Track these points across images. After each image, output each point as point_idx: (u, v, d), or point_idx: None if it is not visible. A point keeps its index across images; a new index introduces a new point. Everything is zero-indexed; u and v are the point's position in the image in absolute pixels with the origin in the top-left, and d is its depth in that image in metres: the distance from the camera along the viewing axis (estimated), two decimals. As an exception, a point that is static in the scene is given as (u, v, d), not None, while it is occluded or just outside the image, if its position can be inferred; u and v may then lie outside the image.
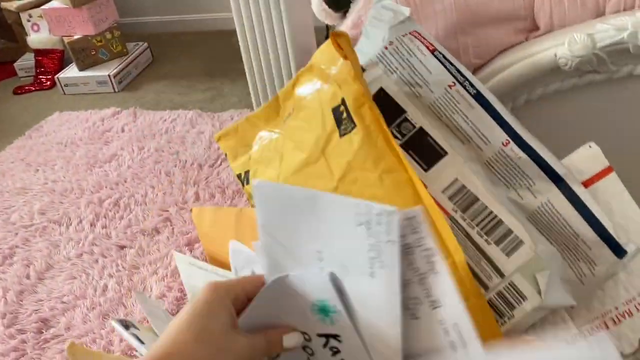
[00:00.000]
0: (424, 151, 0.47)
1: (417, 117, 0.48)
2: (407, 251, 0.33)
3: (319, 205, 0.33)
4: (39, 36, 2.59)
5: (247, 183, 0.50)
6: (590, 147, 0.45)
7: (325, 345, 0.36)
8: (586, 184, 0.45)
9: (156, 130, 1.61)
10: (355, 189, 0.42)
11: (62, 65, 2.25)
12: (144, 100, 1.76)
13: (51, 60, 2.44)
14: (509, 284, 0.44)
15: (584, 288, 0.44)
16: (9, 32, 2.70)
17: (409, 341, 0.36)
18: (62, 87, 1.92)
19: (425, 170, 0.47)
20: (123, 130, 1.64)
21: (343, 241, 0.33)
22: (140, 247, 1.22)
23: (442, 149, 0.47)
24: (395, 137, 0.47)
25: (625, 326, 0.44)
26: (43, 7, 2.41)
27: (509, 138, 0.46)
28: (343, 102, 0.41)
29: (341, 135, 0.42)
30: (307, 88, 0.46)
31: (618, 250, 0.42)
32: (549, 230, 0.45)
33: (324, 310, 0.35)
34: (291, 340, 0.36)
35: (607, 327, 0.44)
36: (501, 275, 0.44)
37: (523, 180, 0.45)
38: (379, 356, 0.35)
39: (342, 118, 0.42)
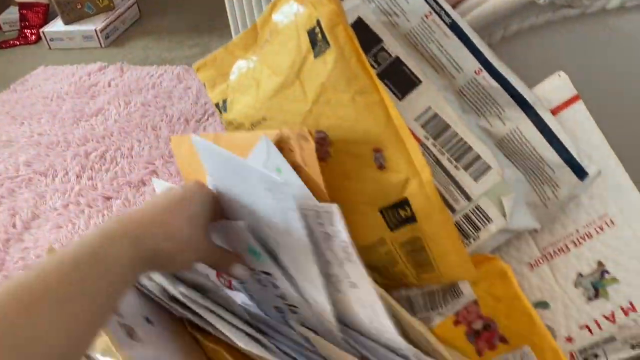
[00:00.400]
0: (399, 80, 0.48)
1: (394, 47, 0.48)
2: (326, 238, 0.35)
3: (238, 167, 0.35)
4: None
5: (225, 111, 0.51)
6: (559, 76, 0.46)
7: (267, 279, 0.39)
8: (554, 111, 0.46)
9: (143, 85, 1.60)
10: (328, 111, 0.43)
11: (46, 19, 2.21)
12: (131, 56, 1.74)
13: (35, 14, 2.38)
14: (476, 207, 0.46)
15: (548, 211, 0.45)
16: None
17: (339, 310, 0.38)
18: (47, 41, 1.89)
19: (400, 99, 0.48)
20: (109, 85, 1.62)
21: (262, 200, 0.35)
22: (127, 198, 1.22)
23: (416, 77, 0.48)
24: (372, 66, 0.48)
25: (585, 248, 0.46)
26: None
27: (481, 67, 0.47)
28: (318, 23, 0.42)
29: (315, 56, 0.42)
30: (284, 12, 0.46)
31: (580, 172, 0.43)
32: (516, 156, 0.46)
33: (253, 252, 0.38)
34: (238, 270, 0.39)
35: (569, 249, 0.46)
36: (468, 198, 0.46)
37: (493, 108, 0.47)
38: (315, 306, 0.38)
39: (317, 39, 0.42)
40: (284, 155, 0.41)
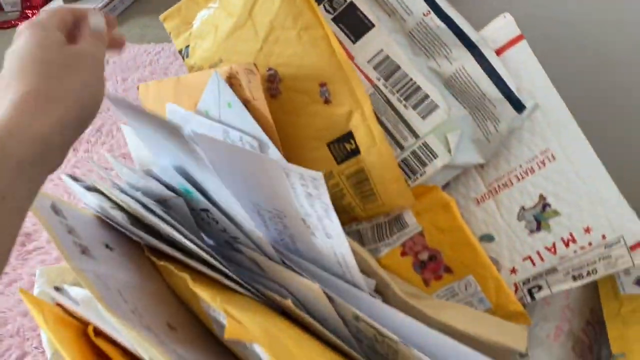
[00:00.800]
0: (353, 24, 0.50)
1: None
2: (308, 196, 0.36)
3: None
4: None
5: (187, 57, 0.53)
6: (504, 17, 0.48)
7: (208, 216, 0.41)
8: (499, 51, 0.48)
9: (140, 63, 1.63)
10: (277, 48, 0.45)
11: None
12: (129, 34, 1.77)
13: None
14: (423, 143, 0.48)
15: (490, 146, 0.47)
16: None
17: (311, 252, 0.41)
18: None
19: (354, 42, 0.50)
20: (107, 62, 1.65)
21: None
22: (121, 167, 1.25)
23: (369, 21, 0.49)
24: (328, 11, 0.50)
25: (528, 182, 0.48)
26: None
27: (429, 9, 0.48)
28: (266, -37, 0.44)
29: (265, -5, 0.45)
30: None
31: (518, 106, 0.45)
32: (461, 94, 0.48)
33: (187, 191, 0.40)
34: (95, 18, 0.36)
35: (512, 184, 0.48)
36: (416, 136, 0.48)
37: (441, 49, 0.48)
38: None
39: (266, -22, 0.44)
40: (234, 91, 0.43)
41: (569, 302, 0.57)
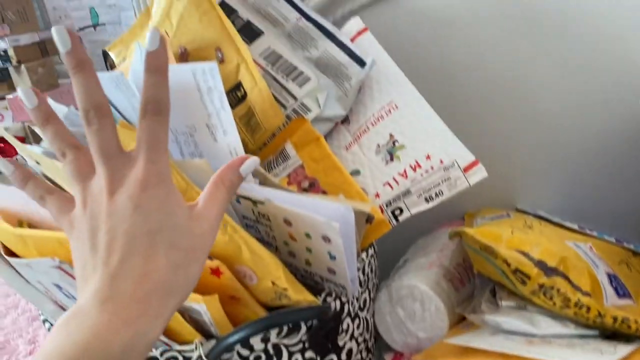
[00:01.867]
0: (249, 33, 0.68)
1: (245, 13, 0.69)
2: (210, 92, 0.50)
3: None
4: (2, 125, 2.80)
5: (123, 62, 0.70)
6: (354, 17, 0.67)
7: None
8: (353, 38, 0.66)
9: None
10: (185, 31, 0.62)
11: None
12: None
13: (12, 146, 2.62)
14: (300, 103, 0.63)
15: (349, 99, 0.63)
16: (-28, 122, 2.89)
17: (214, 158, 0.54)
18: None
19: (249, 44, 0.67)
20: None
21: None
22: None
23: (260, 30, 0.68)
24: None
25: (380, 126, 0.63)
26: (8, 96, 2.65)
27: (300, 14, 0.67)
28: (178, -23, 0.63)
29: (177, -2, 0.63)
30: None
31: (361, 64, 0.62)
32: (326, 68, 0.65)
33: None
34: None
35: (369, 129, 0.63)
36: (295, 98, 0.63)
37: (311, 42, 0.66)
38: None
39: (178, -12, 0.63)
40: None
41: (442, 248, 0.68)
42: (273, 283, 0.46)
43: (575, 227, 0.62)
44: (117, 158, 0.29)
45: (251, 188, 0.51)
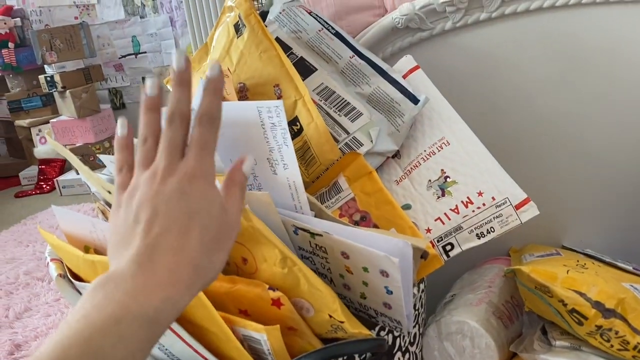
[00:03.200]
0: (303, 69, 0.70)
1: (298, 51, 0.72)
2: (273, 128, 0.52)
3: None
4: (45, 147, 2.91)
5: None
6: (406, 56, 0.69)
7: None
8: (404, 76, 0.68)
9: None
10: (245, 68, 0.65)
11: (62, 172, 2.52)
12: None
13: (52, 168, 2.72)
14: (353, 137, 0.65)
15: (401, 135, 0.65)
16: (18, 149, 3.02)
17: (272, 190, 0.56)
18: (60, 189, 2.16)
19: (304, 80, 0.70)
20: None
21: None
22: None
23: (314, 67, 0.71)
24: (285, 62, 0.71)
25: (431, 162, 0.64)
26: (52, 120, 2.75)
27: (353, 53, 0.70)
28: (239, 17, 0.66)
29: (238, 36, 0.66)
30: (221, 26, 0.71)
31: (414, 100, 0.63)
32: (378, 104, 0.67)
33: None
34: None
35: (420, 164, 0.64)
36: (347, 133, 0.65)
37: (363, 79, 0.69)
38: None
39: (239, 27, 0.66)
40: (214, 91, 0.61)
41: (490, 285, 0.68)
42: (330, 316, 0.47)
43: (630, 268, 0.61)
44: (177, 153, 0.34)
45: (309, 220, 0.52)
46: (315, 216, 0.55)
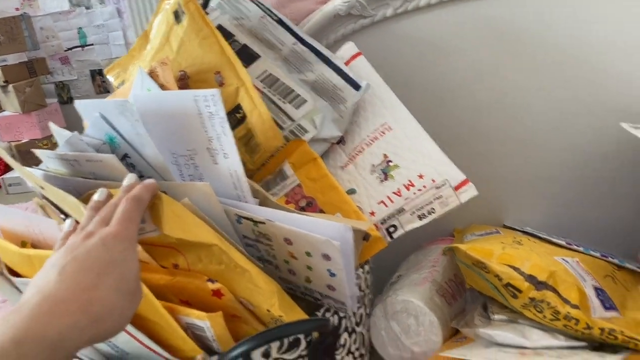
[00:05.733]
0: (246, 57, 0.70)
1: (242, 38, 0.72)
2: (211, 117, 0.51)
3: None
4: (-13, 145, 2.78)
5: (122, 85, 0.72)
6: (348, 43, 0.70)
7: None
8: (346, 63, 0.69)
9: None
10: (186, 55, 0.64)
11: (7, 170, 2.42)
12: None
13: (-3, 165, 2.60)
14: (297, 125, 0.65)
15: (344, 121, 0.65)
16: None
17: (214, 180, 0.55)
18: (5, 187, 2.08)
19: (247, 67, 0.70)
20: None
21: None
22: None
23: (257, 54, 0.70)
24: (229, 49, 0.70)
25: (374, 147, 0.65)
26: (-5, 116, 2.63)
27: (296, 40, 0.70)
28: (178, 4, 0.65)
29: (177, 23, 0.65)
30: (161, 13, 0.69)
31: (356, 87, 0.64)
32: (322, 91, 0.67)
33: (111, 140, 0.56)
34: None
35: (364, 149, 0.65)
36: (292, 120, 0.66)
37: (306, 66, 0.69)
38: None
39: (178, 14, 0.65)
40: (153, 80, 0.61)
41: (434, 264, 0.70)
42: (268, 310, 0.48)
43: (563, 242, 0.64)
44: (103, 224, 0.38)
45: (251, 208, 0.52)
46: (260, 204, 0.55)
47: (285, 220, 0.50)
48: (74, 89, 3.17)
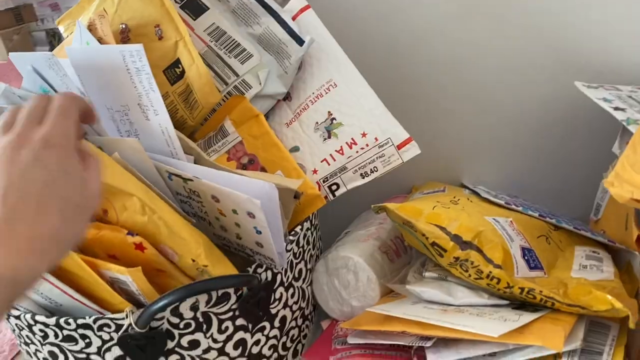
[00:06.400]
0: (194, 9, 0.68)
1: None
2: (138, 73, 0.50)
3: None
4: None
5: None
6: (297, -4, 0.68)
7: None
8: (294, 17, 0.67)
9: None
10: (127, 9, 0.62)
11: None
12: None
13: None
14: (242, 80, 0.64)
15: (289, 76, 0.65)
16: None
17: (148, 137, 0.55)
18: None
19: (194, 20, 0.68)
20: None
21: None
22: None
23: (205, 5, 0.69)
24: (176, 2, 0.69)
25: (319, 104, 0.65)
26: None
27: (243, -9, 0.68)
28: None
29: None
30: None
31: (300, 41, 0.63)
32: (268, 45, 0.66)
33: (44, 91, 0.55)
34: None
35: (309, 107, 0.65)
36: (237, 75, 0.65)
37: (254, 18, 0.67)
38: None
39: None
40: (92, 34, 0.59)
41: (382, 221, 0.71)
42: (193, 260, 0.49)
43: (502, 202, 0.64)
44: (35, 120, 0.34)
45: (181, 165, 0.53)
46: (195, 161, 0.56)
47: (212, 178, 0.50)
48: (65, 36, 3.13)
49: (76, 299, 0.49)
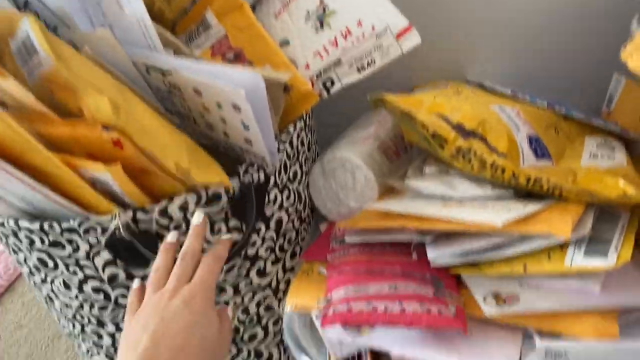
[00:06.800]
0: None
1: None
2: None
3: None
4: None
5: None
6: None
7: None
8: None
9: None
10: None
11: None
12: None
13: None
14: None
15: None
16: None
17: (124, 30, 0.50)
18: None
19: None
20: None
21: None
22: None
23: None
24: None
25: None
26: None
27: None
28: None
29: None
30: None
31: None
32: None
33: None
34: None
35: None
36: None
37: None
38: None
39: None
40: None
41: (381, 120, 0.67)
42: (176, 163, 0.46)
43: (508, 92, 0.60)
44: (184, 281, 0.40)
45: (158, 57, 0.48)
46: (175, 54, 0.51)
47: (192, 70, 0.47)
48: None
49: (56, 201, 0.47)
